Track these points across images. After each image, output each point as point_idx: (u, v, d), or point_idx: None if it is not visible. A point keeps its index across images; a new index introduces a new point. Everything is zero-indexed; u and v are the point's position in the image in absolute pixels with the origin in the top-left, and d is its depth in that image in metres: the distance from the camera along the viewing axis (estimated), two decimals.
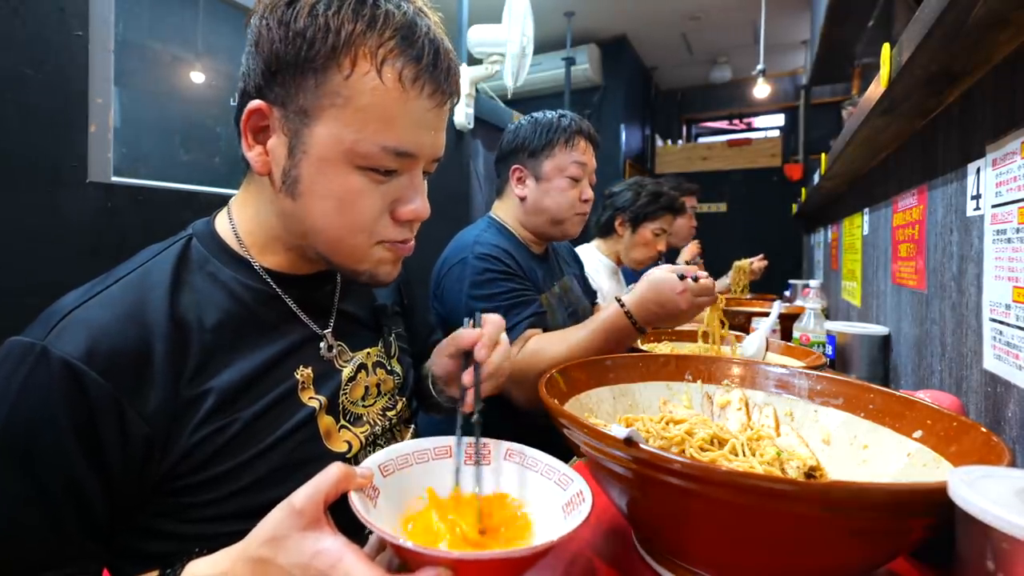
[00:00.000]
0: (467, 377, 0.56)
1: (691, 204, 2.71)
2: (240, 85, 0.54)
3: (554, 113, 1.20)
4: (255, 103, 0.51)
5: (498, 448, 0.54)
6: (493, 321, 0.61)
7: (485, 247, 1.09)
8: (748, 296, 2.53)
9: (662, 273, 0.90)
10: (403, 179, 0.54)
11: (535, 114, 1.21)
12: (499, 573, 0.39)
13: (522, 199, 1.19)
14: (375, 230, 0.55)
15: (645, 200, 1.88)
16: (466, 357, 0.59)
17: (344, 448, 0.57)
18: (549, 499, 0.48)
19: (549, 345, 0.95)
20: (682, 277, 0.88)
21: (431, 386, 0.75)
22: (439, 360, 0.67)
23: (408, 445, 0.51)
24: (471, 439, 0.53)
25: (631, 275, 2.15)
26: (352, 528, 0.40)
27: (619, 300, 0.92)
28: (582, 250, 1.88)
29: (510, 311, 1.02)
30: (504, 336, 0.61)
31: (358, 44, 0.49)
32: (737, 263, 2.61)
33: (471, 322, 0.61)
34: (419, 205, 0.56)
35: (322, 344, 0.59)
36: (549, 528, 0.46)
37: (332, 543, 0.38)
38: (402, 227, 0.56)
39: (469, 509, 0.47)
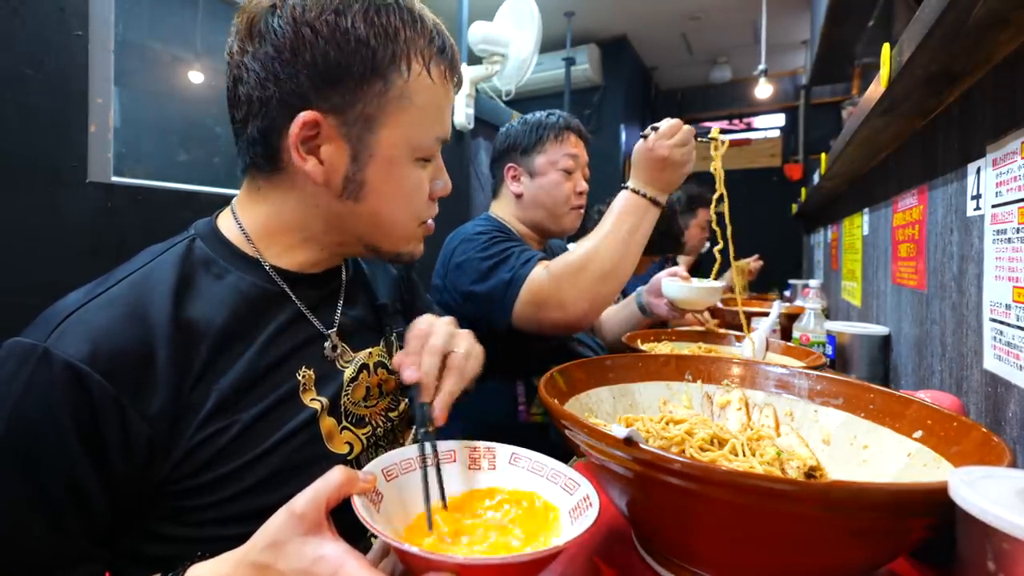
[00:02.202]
0: (423, 395, 0.52)
1: (705, 218, 2.64)
2: (258, 93, 0.51)
3: (543, 112, 1.24)
4: (308, 115, 0.50)
5: (503, 452, 0.53)
6: (415, 332, 0.55)
7: (484, 226, 1.12)
8: (747, 296, 2.53)
9: (636, 147, 0.94)
10: (434, 161, 0.61)
11: (525, 115, 1.25)
12: None
13: (518, 196, 1.22)
14: (421, 211, 0.61)
15: (654, 239, 1.79)
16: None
17: (346, 450, 0.57)
18: (556, 504, 0.48)
19: (575, 250, 0.95)
20: (644, 137, 0.93)
21: None
22: None
23: (412, 449, 0.51)
24: (476, 444, 0.53)
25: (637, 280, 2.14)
26: (354, 533, 0.40)
27: (623, 185, 0.96)
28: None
29: (523, 253, 1.02)
30: (439, 328, 0.56)
31: (411, 47, 0.53)
32: (735, 263, 2.61)
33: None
34: (447, 181, 0.63)
35: (327, 344, 0.59)
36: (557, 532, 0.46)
37: (333, 549, 0.37)
38: (432, 205, 0.63)
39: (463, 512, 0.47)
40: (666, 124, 0.92)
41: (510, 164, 1.22)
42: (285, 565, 0.38)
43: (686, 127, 0.92)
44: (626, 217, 0.93)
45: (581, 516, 0.44)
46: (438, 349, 0.54)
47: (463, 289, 1.06)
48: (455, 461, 0.52)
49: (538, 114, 1.24)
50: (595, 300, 0.92)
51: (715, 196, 1.00)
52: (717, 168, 0.99)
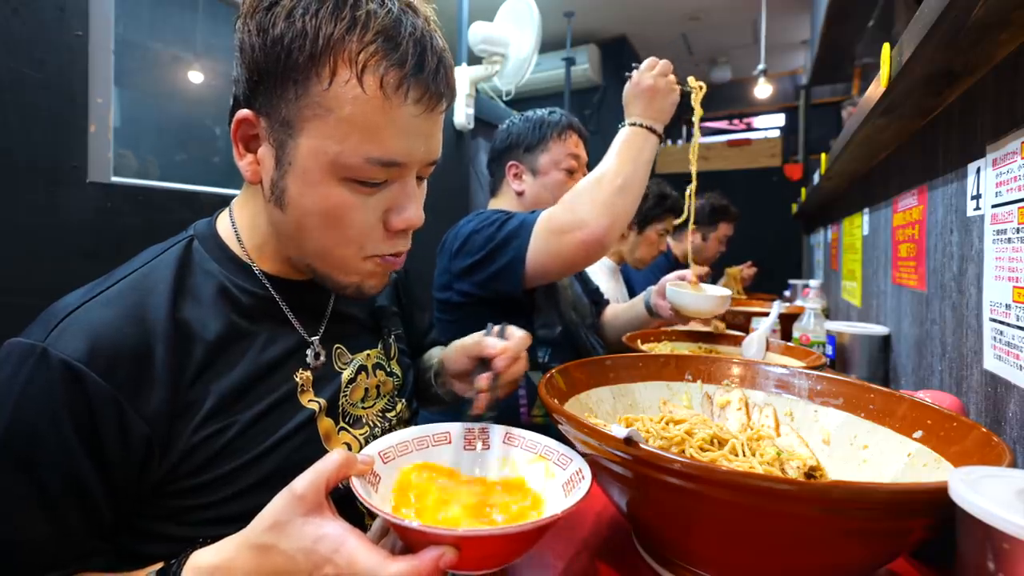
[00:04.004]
0: (483, 381, 0.56)
1: (725, 233, 2.61)
2: (233, 91, 0.53)
3: (543, 110, 1.24)
4: (243, 112, 0.50)
5: (496, 433, 0.55)
6: (519, 337, 0.61)
7: (479, 212, 1.11)
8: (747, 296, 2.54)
9: (625, 88, 1.01)
10: (394, 187, 0.52)
11: (526, 113, 1.25)
12: (503, 549, 0.40)
13: (520, 194, 1.22)
14: (366, 244, 0.53)
15: (651, 203, 1.91)
16: (483, 362, 0.60)
17: (345, 451, 0.58)
18: (549, 479, 0.50)
19: (582, 182, 0.97)
20: (629, 77, 1.02)
21: (433, 378, 0.74)
22: (457, 357, 0.67)
23: (408, 432, 0.52)
24: (471, 425, 0.55)
25: (634, 273, 2.15)
26: (355, 523, 0.40)
27: (620, 124, 1.00)
28: None
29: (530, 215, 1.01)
30: (525, 353, 0.61)
31: (337, 49, 0.46)
32: (728, 270, 2.62)
33: (496, 329, 0.62)
34: (412, 214, 0.53)
35: (308, 352, 0.58)
36: (551, 507, 0.47)
37: (335, 528, 0.38)
38: (395, 239, 0.54)
39: (468, 489, 0.48)
40: (646, 62, 1.00)
41: (512, 162, 1.22)
42: (287, 545, 0.38)
43: (663, 60, 1.01)
44: (628, 145, 0.97)
45: (575, 489, 0.45)
46: (522, 366, 0.60)
47: (472, 259, 1.03)
48: (450, 442, 0.53)
49: (539, 112, 1.23)
50: (615, 213, 0.93)
51: (694, 141, 1.12)
52: (697, 114, 1.09)
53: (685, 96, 1.05)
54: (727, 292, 1.20)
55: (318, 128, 0.48)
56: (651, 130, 0.97)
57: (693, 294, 1.18)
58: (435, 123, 0.52)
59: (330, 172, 0.49)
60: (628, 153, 0.96)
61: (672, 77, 1.00)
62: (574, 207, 0.94)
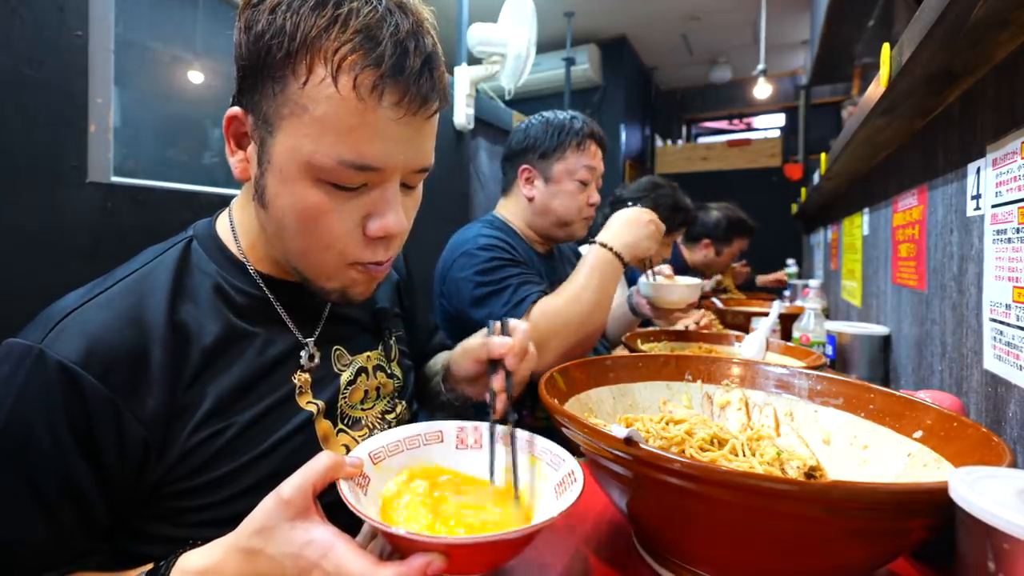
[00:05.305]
0: (497, 383, 0.56)
1: (740, 248, 2.57)
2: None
3: (565, 114, 1.19)
4: (233, 109, 0.50)
5: (488, 430, 0.54)
6: (522, 330, 0.60)
7: (488, 238, 1.10)
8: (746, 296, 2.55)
9: (622, 210, 1.09)
10: (374, 193, 0.50)
11: (545, 114, 1.20)
12: (492, 555, 0.39)
13: (530, 200, 1.19)
14: (346, 250, 0.51)
15: (665, 214, 1.83)
16: (492, 363, 0.58)
17: (342, 452, 0.57)
18: (541, 481, 0.49)
19: (550, 302, 0.98)
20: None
21: (441, 383, 0.74)
22: (464, 363, 0.66)
23: (399, 432, 0.51)
24: (463, 423, 0.54)
25: (637, 274, 2.15)
26: (353, 527, 0.40)
27: (591, 241, 1.04)
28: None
29: (519, 289, 1.02)
30: (532, 346, 0.60)
31: (314, 47, 0.44)
32: None
33: (497, 327, 0.61)
34: (389, 221, 0.50)
35: (303, 353, 0.58)
36: (542, 509, 0.46)
37: (322, 532, 0.38)
38: (375, 246, 0.52)
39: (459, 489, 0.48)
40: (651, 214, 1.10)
41: (525, 166, 1.18)
42: (275, 550, 0.38)
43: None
44: (599, 273, 1.00)
45: (567, 492, 0.44)
46: (532, 359, 0.60)
47: (456, 305, 1.08)
48: (442, 442, 0.53)
49: (560, 115, 1.18)
50: (572, 351, 0.96)
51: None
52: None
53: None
54: (697, 281, 1.21)
55: (294, 127, 0.47)
56: (619, 257, 1.01)
57: (661, 284, 1.18)
58: (418, 128, 0.49)
59: (305, 172, 0.47)
60: (595, 282, 0.98)
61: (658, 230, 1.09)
62: (543, 338, 0.94)
